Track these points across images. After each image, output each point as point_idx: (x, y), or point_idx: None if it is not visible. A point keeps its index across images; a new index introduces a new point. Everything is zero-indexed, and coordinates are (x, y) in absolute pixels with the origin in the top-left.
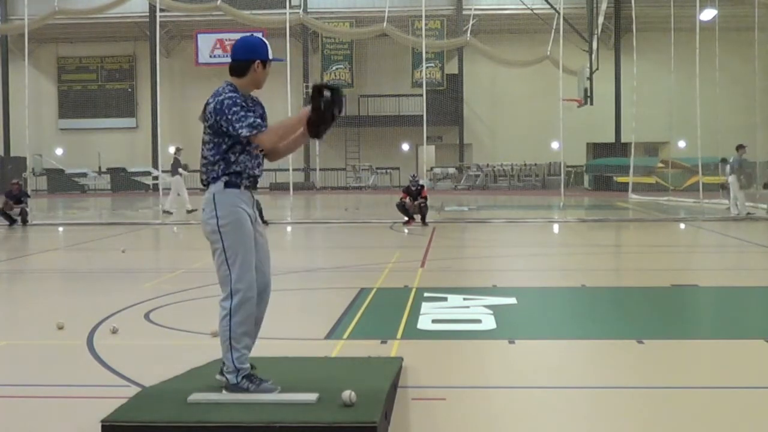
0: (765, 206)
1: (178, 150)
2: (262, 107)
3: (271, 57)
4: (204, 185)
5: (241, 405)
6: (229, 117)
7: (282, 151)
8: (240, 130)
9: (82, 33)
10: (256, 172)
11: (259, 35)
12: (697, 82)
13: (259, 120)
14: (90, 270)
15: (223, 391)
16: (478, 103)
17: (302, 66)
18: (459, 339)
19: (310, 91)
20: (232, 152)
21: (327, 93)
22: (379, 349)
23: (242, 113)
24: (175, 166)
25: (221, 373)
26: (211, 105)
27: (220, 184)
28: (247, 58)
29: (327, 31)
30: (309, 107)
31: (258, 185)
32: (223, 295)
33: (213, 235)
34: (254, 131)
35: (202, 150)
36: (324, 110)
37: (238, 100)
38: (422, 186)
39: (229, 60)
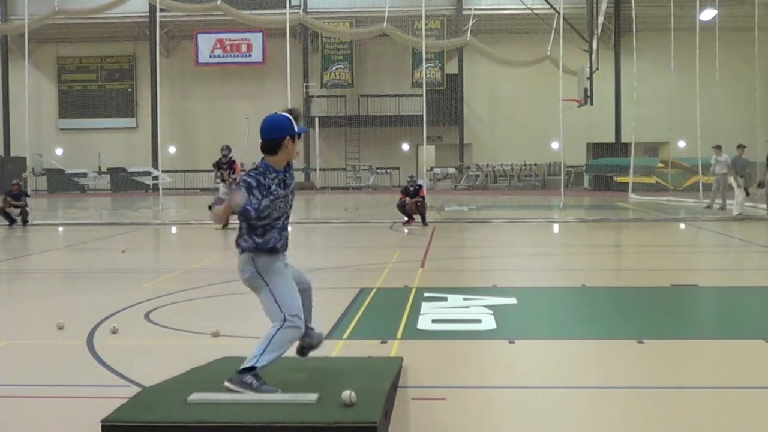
0: (765, 206)
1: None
2: (292, 176)
3: (297, 130)
4: (239, 250)
5: (241, 405)
6: None
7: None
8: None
9: (82, 33)
10: (278, 245)
11: (259, 35)
12: (697, 82)
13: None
14: (90, 270)
15: (226, 383)
16: (478, 103)
17: (302, 66)
18: (459, 339)
19: (308, 92)
20: (259, 229)
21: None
22: (379, 349)
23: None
24: None
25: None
26: None
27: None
28: (278, 137)
29: (327, 31)
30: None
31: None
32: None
33: (259, 285)
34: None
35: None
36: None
37: (245, 184)
38: (420, 186)
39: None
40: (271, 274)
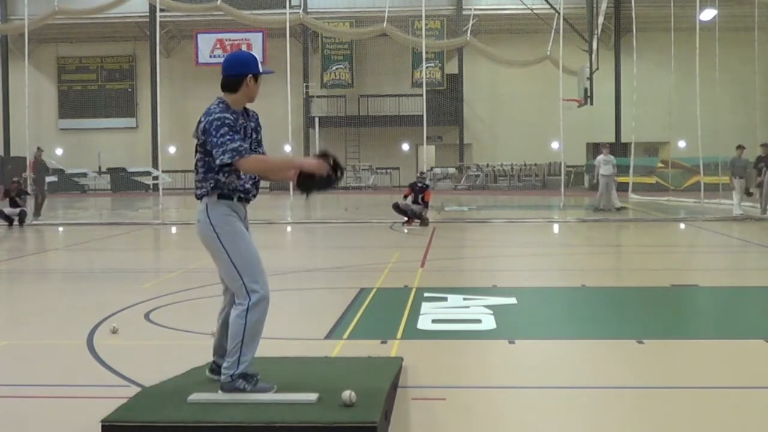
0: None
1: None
2: (257, 119)
3: (262, 70)
4: (197, 198)
5: (241, 405)
6: (214, 140)
7: (269, 176)
8: (221, 157)
9: (82, 33)
10: (248, 185)
11: (259, 35)
12: (697, 82)
13: (243, 144)
14: (90, 270)
15: (219, 391)
16: (478, 103)
17: (302, 66)
18: (459, 339)
19: (308, 92)
20: (224, 171)
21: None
22: (379, 349)
23: (228, 137)
24: None
25: (211, 370)
26: (203, 124)
27: (213, 196)
28: (239, 73)
29: (327, 31)
30: (312, 160)
31: (252, 198)
32: (239, 299)
33: (213, 244)
34: (235, 157)
35: (195, 165)
36: (329, 180)
37: (227, 121)
38: (427, 186)
39: None
40: (229, 234)
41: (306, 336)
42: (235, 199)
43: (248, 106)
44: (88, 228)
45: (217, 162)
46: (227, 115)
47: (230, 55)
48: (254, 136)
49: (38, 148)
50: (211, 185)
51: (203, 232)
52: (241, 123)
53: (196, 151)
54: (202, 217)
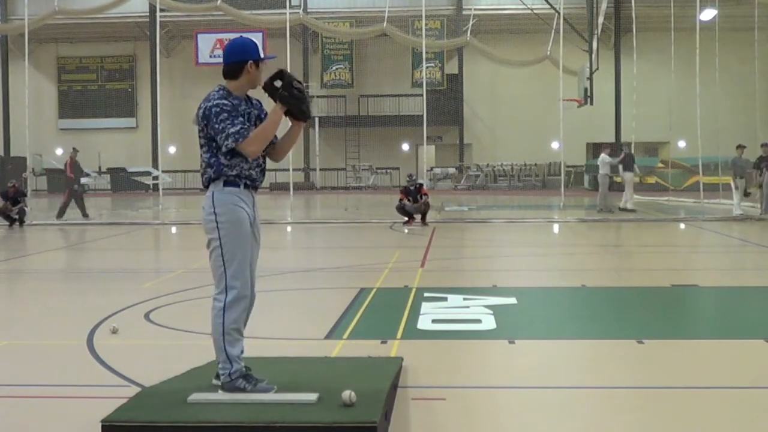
0: (759, 206)
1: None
2: (260, 106)
3: (262, 56)
4: (204, 186)
5: (241, 405)
6: (216, 126)
7: (282, 149)
8: (225, 143)
9: (82, 33)
10: (253, 173)
11: (259, 35)
12: (697, 82)
13: (244, 126)
14: (90, 270)
15: (220, 391)
16: (478, 103)
17: (302, 66)
18: (459, 339)
19: (308, 92)
20: (227, 154)
21: (278, 83)
22: (379, 349)
23: (228, 122)
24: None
25: (217, 376)
26: (202, 110)
27: (219, 183)
28: (239, 60)
29: (327, 31)
30: (277, 105)
31: (259, 185)
32: (216, 292)
33: (211, 232)
34: (239, 139)
35: (201, 153)
36: (290, 96)
37: (226, 107)
38: (421, 184)
39: None
40: (229, 223)
41: (306, 336)
42: (242, 186)
43: (251, 94)
44: (88, 228)
45: (223, 149)
46: (225, 102)
47: (230, 41)
48: (259, 123)
49: (74, 149)
50: (215, 170)
51: (205, 218)
52: (243, 109)
53: (199, 137)
54: (206, 204)
